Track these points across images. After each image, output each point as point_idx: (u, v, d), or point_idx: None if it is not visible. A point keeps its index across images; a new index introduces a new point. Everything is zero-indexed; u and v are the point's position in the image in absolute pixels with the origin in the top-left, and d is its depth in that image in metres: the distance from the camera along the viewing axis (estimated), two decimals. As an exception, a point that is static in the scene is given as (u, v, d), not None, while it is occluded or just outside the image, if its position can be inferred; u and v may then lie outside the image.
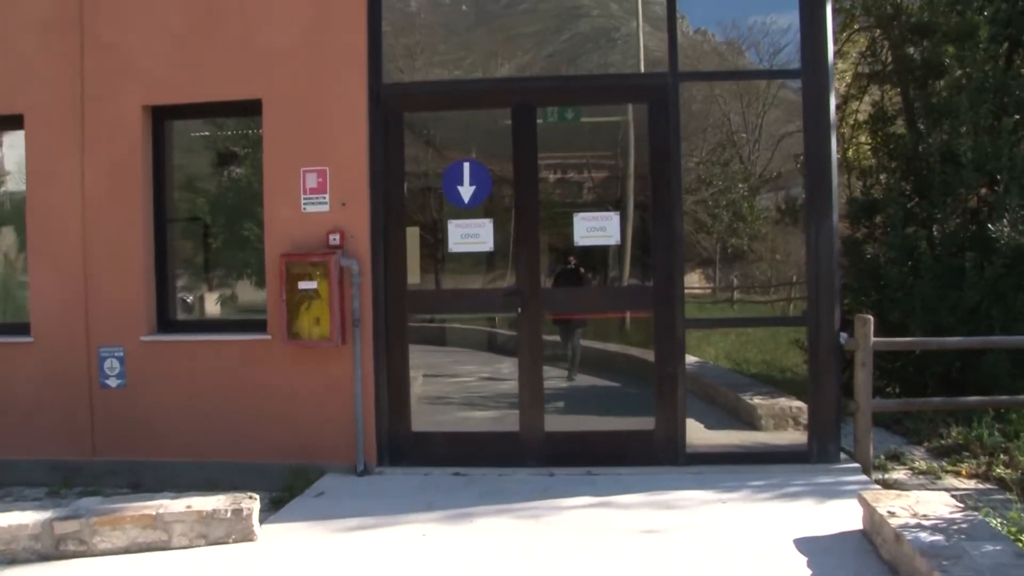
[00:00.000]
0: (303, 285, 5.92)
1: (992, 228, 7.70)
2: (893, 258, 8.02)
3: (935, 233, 8.11)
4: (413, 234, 6.11)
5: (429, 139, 6.71)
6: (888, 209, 8.23)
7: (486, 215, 6.05)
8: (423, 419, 6.30)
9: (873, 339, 5.96)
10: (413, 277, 6.12)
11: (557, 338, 6.89)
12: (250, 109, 6.22)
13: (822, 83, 5.86)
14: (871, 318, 5.97)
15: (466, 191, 6.04)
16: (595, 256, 6.54)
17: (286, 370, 6.11)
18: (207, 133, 8.35)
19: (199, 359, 6.24)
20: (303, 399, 6.10)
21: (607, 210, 6.07)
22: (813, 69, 5.87)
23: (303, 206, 6.09)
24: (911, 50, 9.05)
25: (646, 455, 5.99)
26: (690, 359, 10.17)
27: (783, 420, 7.20)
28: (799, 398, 7.67)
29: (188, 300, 7.09)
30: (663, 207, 5.92)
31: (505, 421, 6.65)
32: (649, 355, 6.04)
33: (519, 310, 5.96)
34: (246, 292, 8.26)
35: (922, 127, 8.56)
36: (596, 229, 5.95)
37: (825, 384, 5.93)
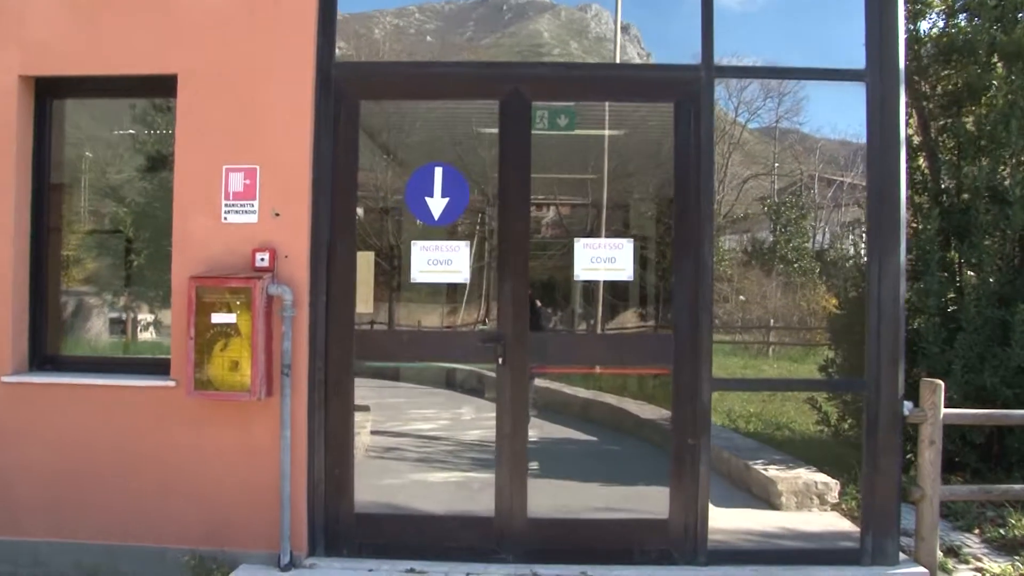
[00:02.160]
0: (218, 318, 4.50)
1: (1048, 276, 6.61)
2: (926, 308, 6.84)
3: (973, 280, 6.99)
4: (366, 258, 4.73)
5: (391, 138, 5.34)
6: (918, 252, 7.06)
7: (461, 237, 4.71)
8: (368, 487, 4.89)
9: (944, 410, 4.73)
10: (364, 310, 4.73)
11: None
12: (164, 87, 4.81)
13: (891, 87, 4.66)
14: (941, 383, 4.73)
15: (436, 205, 4.69)
16: (595, 294, 5.22)
17: (194, 428, 4.67)
18: (131, 130, 7.01)
19: (81, 408, 4.76)
20: (214, 467, 4.66)
21: (617, 235, 4.73)
22: (881, 70, 4.67)
23: (224, 215, 4.69)
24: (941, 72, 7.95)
25: (658, 551, 4.66)
26: (665, 412, 9.00)
27: (806, 498, 5.97)
28: (819, 468, 6.48)
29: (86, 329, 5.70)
30: (688, 233, 4.64)
31: (473, 493, 5.31)
32: (653, 410, 4.76)
33: (500, 361, 4.60)
34: (158, 324, 6.90)
35: (951, 159, 7.44)
36: (603, 260, 4.63)
37: (884, 466, 4.66)
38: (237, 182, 4.69)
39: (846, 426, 7.31)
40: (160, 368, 4.81)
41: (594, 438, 8.34)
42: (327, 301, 4.71)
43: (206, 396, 4.53)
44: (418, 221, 4.72)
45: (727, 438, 7.99)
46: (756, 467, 6.51)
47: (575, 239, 4.66)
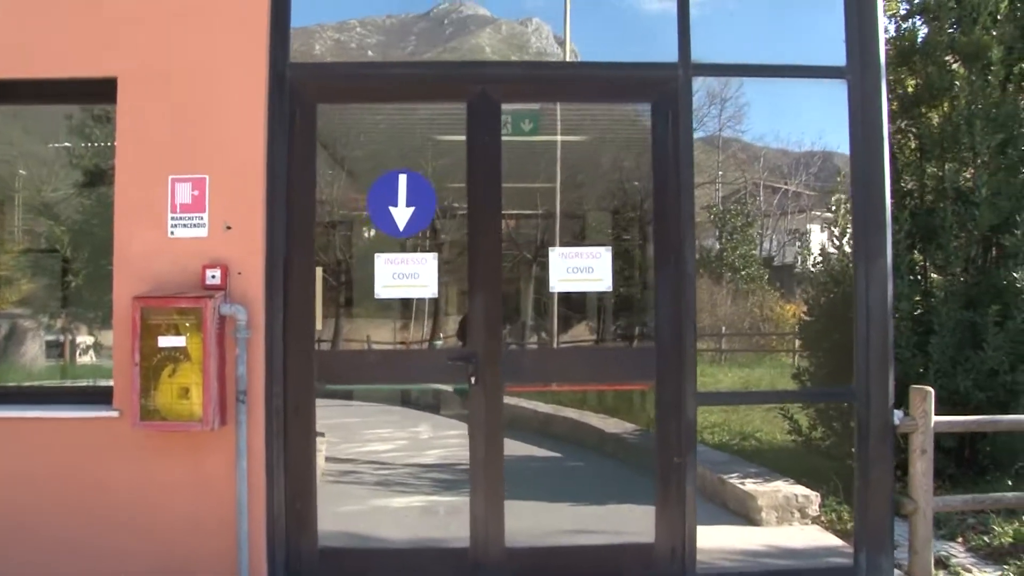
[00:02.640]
0: (166, 341, 4.12)
1: (1018, 276, 6.54)
2: (897, 312, 6.72)
3: (940, 282, 6.91)
4: (316, 273, 4.40)
5: (349, 145, 5.03)
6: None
7: (427, 248, 4.42)
8: (328, 515, 4.52)
9: (935, 418, 4.57)
10: (324, 331, 4.39)
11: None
12: (104, 92, 4.42)
13: (873, 84, 4.50)
14: (931, 390, 4.57)
15: (401, 214, 4.39)
16: (571, 306, 4.96)
17: (140, 462, 4.27)
18: (68, 143, 6.58)
19: (14, 444, 4.33)
20: (163, 503, 4.27)
21: (594, 244, 4.49)
22: (862, 67, 4.51)
23: (170, 229, 4.31)
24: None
25: (643, 578, 4.40)
26: (629, 426, 8.79)
27: (787, 512, 5.79)
28: (797, 480, 6.31)
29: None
30: (668, 239, 4.41)
31: (440, 519, 5.01)
32: (617, 424, 4.50)
33: (472, 380, 4.29)
34: (98, 346, 6.50)
35: (913, 160, 7.39)
36: (580, 270, 4.37)
37: (877, 479, 4.47)
38: (185, 193, 4.33)
39: (817, 435, 7.16)
40: (102, 397, 4.40)
41: (557, 454, 8.06)
42: (284, 320, 4.36)
43: (154, 427, 4.14)
44: (376, 232, 4.41)
45: (716, 460, 7.77)
46: (732, 481, 6.30)
47: (550, 248, 4.39)
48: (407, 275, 4.35)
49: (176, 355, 4.14)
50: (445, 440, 8.12)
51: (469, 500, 4.40)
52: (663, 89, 4.44)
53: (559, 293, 4.58)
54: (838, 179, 6.72)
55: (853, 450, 5.93)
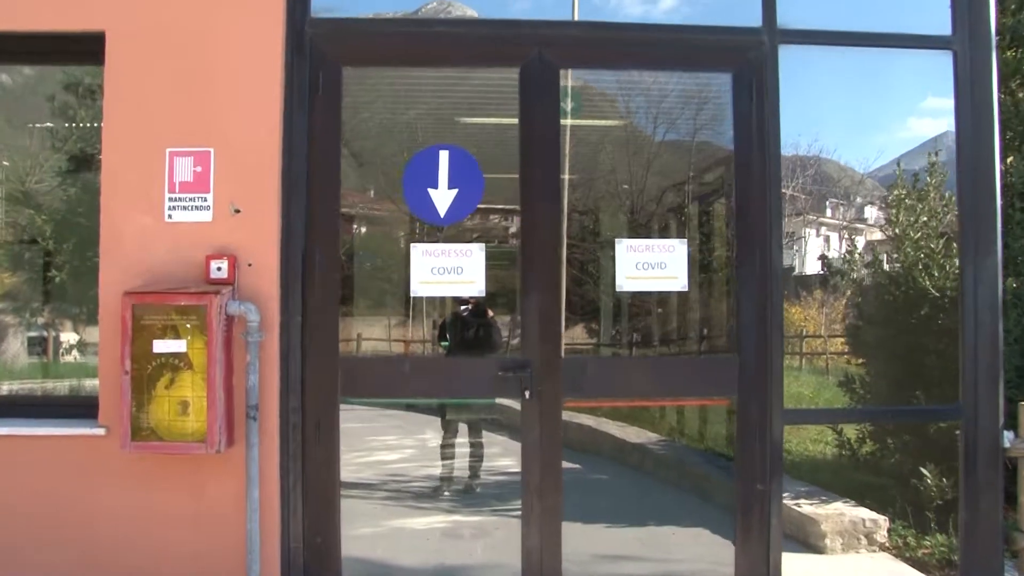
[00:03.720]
0: (162, 346, 3.45)
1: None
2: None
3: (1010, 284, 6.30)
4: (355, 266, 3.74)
5: (381, 116, 4.36)
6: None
7: (473, 239, 3.78)
8: (343, 539, 3.85)
9: (1050, 441, 3.99)
10: (351, 334, 3.73)
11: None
12: (89, 50, 3.73)
13: (983, 56, 3.91)
14: (1044, 408, 3.99)
15: (442, 198, 3.73)
16: (639, 308, 4.32)
17: (129, 491, 3.59)
18: (50, 124, 5.92)
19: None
20: (157, 541, 3.58)
21: (666, 236, 3.86)
22: (971, 37, 3.92)
23: (167, 212, 3.64)
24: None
25: (721, 623, 3.78)
26: (652, 436, 8.17)
27: (853, 538, 5.21)
28: (857, 501, 5.71)
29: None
30: (752, 232, 3.79)
31: (466, 543, 4.42)
32: (639, 433, 3.88)
33: (526, 394, 3.64)
34: (83, 345, 5.90)
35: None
36: (651, 266, 3.73)
37: (986, 509, 3.88)
38: (185, 170, 3.64)
39: (867, 450, 6.57)
40: (85, 409, 3.71)
41: (576, 465, 7.44)
42: (304, 322, 3.69)
43: (147, 449, 3.46)
44: (419, 219, 3.75)
45: (725, 465, 7.17)
46: (786, 503, 5.69)
47: (616, 240, 3.75)
48: (449, 269, 3.69)
49: (174, 362, 3.46)
50: (456, 448, 7.48)
51: (521, 530, 3.75)
52: (746, 58, 3.82)
53: (626, 293, 3.92)
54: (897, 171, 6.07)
55: (918, 470, 5.47)
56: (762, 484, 3.77)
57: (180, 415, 3.47)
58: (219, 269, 3.59)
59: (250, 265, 3.64)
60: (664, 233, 5.43)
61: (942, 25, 4.01)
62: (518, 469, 7.63)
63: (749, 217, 3.80)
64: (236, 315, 3.55)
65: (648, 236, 4.76)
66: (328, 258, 3.73)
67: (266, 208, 3.68)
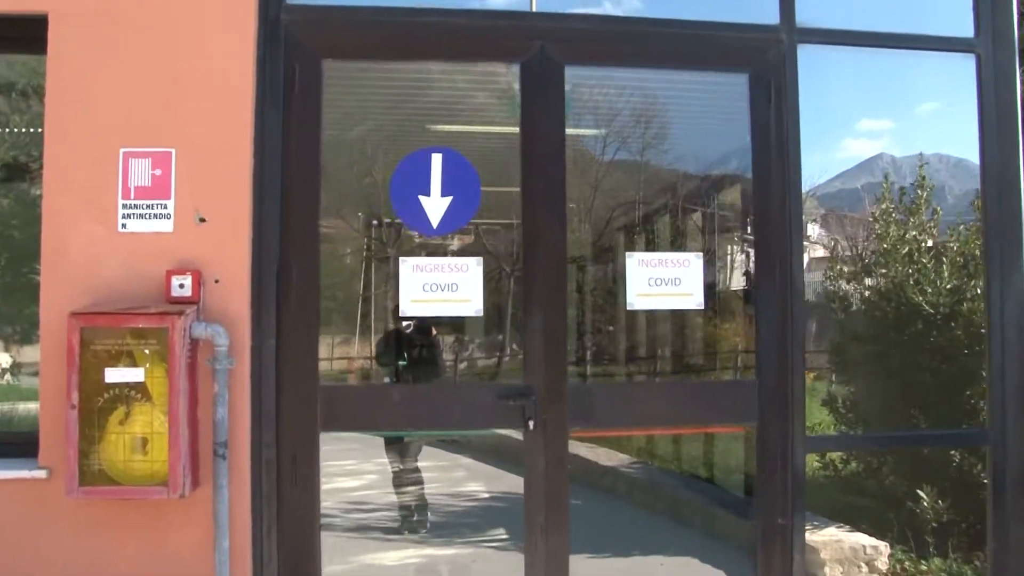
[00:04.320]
0: (116, 375, 2.99)
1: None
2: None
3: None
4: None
5: (363, 115, 3.97)
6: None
7: (468, 251, 3.41)
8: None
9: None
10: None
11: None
12: (27, 36, 3.26)
13: (1006, 59, 3.71)
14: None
15: (435, 206, 3.35)
16: (649, 328, 4.00)
17: (77, 543, 3.10)
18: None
19: None
20: (107, 596, 3.11)
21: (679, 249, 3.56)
22: (995, 39, 3.71)
23: (122, 221, 3.18)
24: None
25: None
26: (623, 458, 7.83)
27: (853, 566, 4.95)
28: (855, 527, 5.46)
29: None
30: (771, 246, 3.50)
31: None
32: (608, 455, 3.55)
33: (530, 424, 3.27)
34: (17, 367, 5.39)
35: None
36: (664, 282, 3.41)
37: (1015, 538, 3.64)
38: (142, 173, 3.19)
39: (850, 470, 6.35)
40: (22, 447, 3.23)
41: (576, 501, 7.09)
42: (278, 345, 3.26)
43: (98, 494, 2.99)
44: (411, 230, 3.36)
45: (700, 489, 6.87)
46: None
47: (627, 253, 3.42)
48: (443, 286, 3.31)
49: (130, 394, 3.00)
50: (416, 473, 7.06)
51: (525, 571, 3.36)
52: (764, 57, 3.54)
53: (635, 311, 3.60)
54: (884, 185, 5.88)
55: (912, 491, 5.25)
56: (784, 518, 3.47)
57: (137, 454, 3.01)
58: (182, 286, 3.15)
59: (217, 281, 3.20)
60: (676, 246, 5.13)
61: (958, 28, 3.80)
62: (487, 494, 7.26)
63: (768, 230, 3.51)
64: (202, 338, 3.11)
65: (647, 251, 4.48)
66: (305, 272, 3.31)
67: (235, 216, 3.25)
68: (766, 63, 3.54)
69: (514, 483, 7.42)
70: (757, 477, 3.51)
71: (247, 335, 3.22)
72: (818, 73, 3.71)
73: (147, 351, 3.01)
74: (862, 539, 5.11)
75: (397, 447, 6.13)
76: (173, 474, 2.98)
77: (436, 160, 3.37)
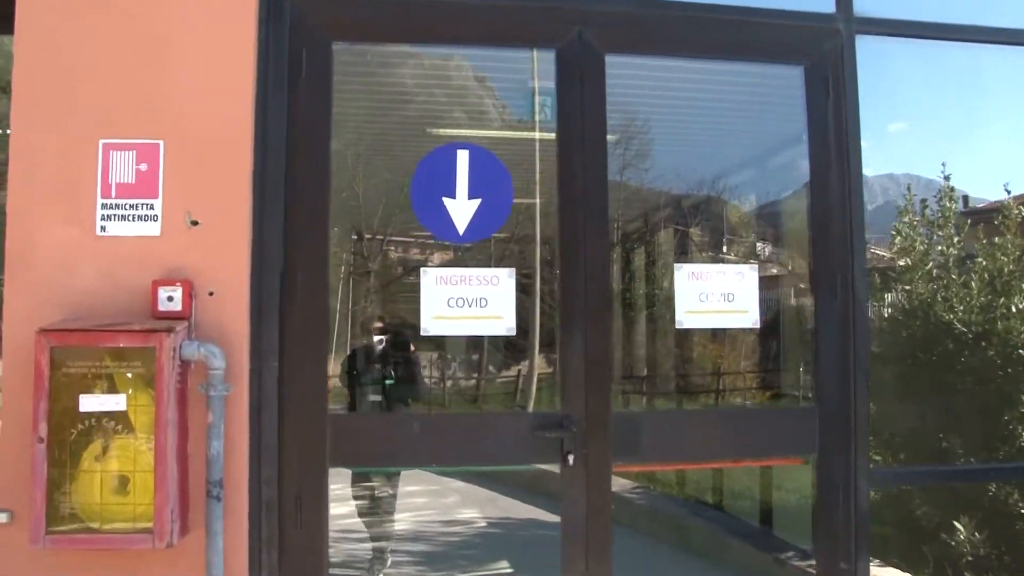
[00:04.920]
0: (92, 403, 2.54)
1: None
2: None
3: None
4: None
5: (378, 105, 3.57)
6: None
7: (498, 261, 3.01)
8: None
9: None
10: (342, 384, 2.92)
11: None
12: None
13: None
14: None
15: (461, 210, 2.95)
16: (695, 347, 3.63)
17: (40, 596, 2.64)
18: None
19: None
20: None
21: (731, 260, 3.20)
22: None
23: (100, 223, 2.74)
24: None
25: None
26: (623, 483, 7.40)
27: (882, 605, 4.59)
28: (885, 561, 5.11)
29: None
30: (830, 258, 3.16)
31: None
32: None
33: (569, 458, 2.87)
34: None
35: None
36: (717, 297, 3.05)
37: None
38: (125, 168, 2.76)
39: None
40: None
41: (540, 513, 6.68)
42: (281, 368, 2.83)
43: (70, 543, 2.53)
44: (432, 235, 2.95)
45: (711, 516, 6.49)
46: (796, 563, 5.07)
47: (676, 265, 3.05)
48: (470, 301, 2.91)
49: (109, 425, 2.56)
50: (409, 500, 6.63)
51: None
52: (820, 49, 3.21)
53: (684, 330, 3.23)
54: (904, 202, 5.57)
55: (947, 521, 4.92)
56: (846, 562, 3.10)
57: (117, 495, 2.56)
58: (170, 299, 2.71)
59: (211, 294, 2.77)
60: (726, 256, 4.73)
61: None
62: (484, 521, 6.81)
63: (827, 239, 3.16)
64: (194, 360, 2.68)
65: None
66: (313, 283, 2.89)
67: (233, 219, 2.82)
68: (823, 55, 3.20)
69: (508, 506, 7.06)
70: (816, 515, 3.15)
71: (245, 356, 2.79)
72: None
73: (130, 375, 2.57)
74: (895, 574, 4.78)
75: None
76: (159, 520, 2.54)
77: (462, 158, 2.97)
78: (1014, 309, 4.90)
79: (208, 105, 2.83)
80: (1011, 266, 5.22)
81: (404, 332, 5.54)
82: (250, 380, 2.80)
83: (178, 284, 2.72)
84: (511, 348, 14.83)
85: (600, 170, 3.01)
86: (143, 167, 2.77)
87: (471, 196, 2.96)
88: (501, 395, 14.16)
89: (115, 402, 2.56)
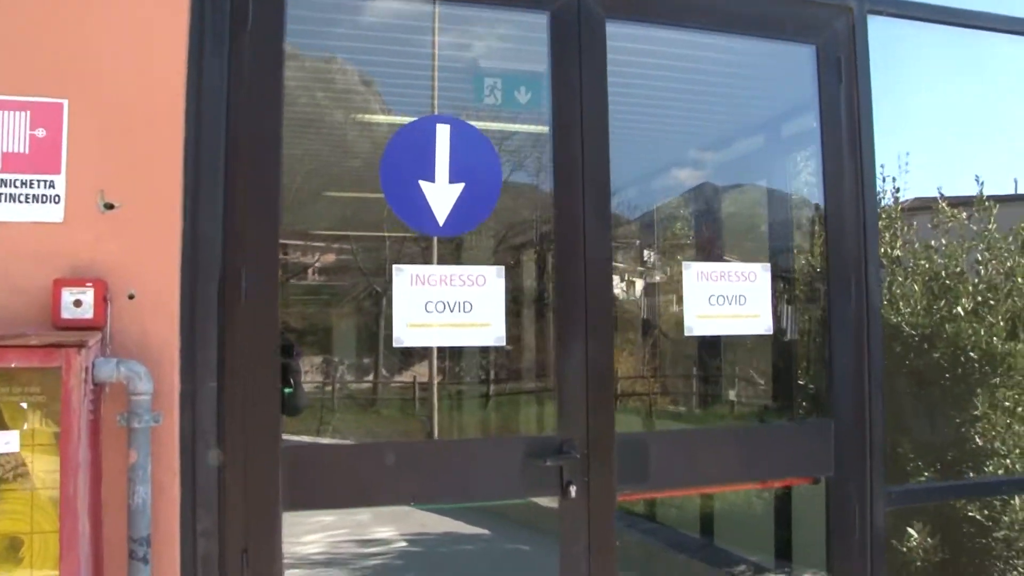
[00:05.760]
0: (-28, 441, 1.92)
1: None
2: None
3: None
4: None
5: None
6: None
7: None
8: None
9: None
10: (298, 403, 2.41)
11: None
12: None
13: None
14: None
15: (442, 197, 2.46)
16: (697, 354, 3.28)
17: None
18: None
19: None
20: None
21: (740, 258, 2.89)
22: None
23: (-18, 205, 2.11)
24: None
25: None
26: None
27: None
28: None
29: None
30: (843, 258, 2.86)
31: None
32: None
33: (571, 490, 2.44)
34: None
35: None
36: (728, 300, 2.69)
37: None
38: (15, 133, 2.13)
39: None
40: None
41: (484, 531, 6.22)
42: (222, 392, 2.26)
43: (-60, 634, 1.90)
44: (406, 225, 2.45)
45: (647, 529, 6.13)
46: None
47: (684, 264, 2.66)
48: (452, 305, 2.43)
49: (-3, 469, 1.94)
50: (316, 519, 6.02)
51: None
52: (832, 28, 2.91)
53: (692, 338, 2.85)
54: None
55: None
56: (861, 591, 2.81)
57: (5, 564, 1.94)
58: (78, 304, 2.10)
59: (132, 297, 2.18)
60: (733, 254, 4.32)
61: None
62: (403, 541, 6.27)
63: (840, 237, 2.86)
64: (111, 383, 2.08)
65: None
66: (261, 283, 2.33)
67: (159, 202, 2.23)
68: (835, 35, 2.91)
69: (424, 520, 6.52)
70: (831, 540, 2.83)
71: (176, 376, 2.21)
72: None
73: (24, 404, 1.96)
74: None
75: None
76: (66, 591, 1.94)
77: (442, 134, 2.48)
78: (961, 311, 4.80)
79: (128, 59, 2.22)
80: (948, 269, 5.16)
81: (287, 336, 5.07)
82: (182, 407, 2.22)
83: (88, 285, 2.11)
84: (406, 351, 14.24)
85: (602, 155, 2.59)
86: (40, 133, 2.14)
87: (453, 180, 2.48)
88: (398, 401, 13.55)
89: (3, 441, 1.95)
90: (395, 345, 2.39)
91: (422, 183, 2.46)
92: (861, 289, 2.84)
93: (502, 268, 2.49)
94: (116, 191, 2.19)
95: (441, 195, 2.47)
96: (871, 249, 2.86)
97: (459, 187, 2.48)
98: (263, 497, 2.28)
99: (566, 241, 2.55)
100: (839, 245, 2.85)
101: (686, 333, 2.66)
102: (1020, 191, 7.35)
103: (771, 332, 2.74)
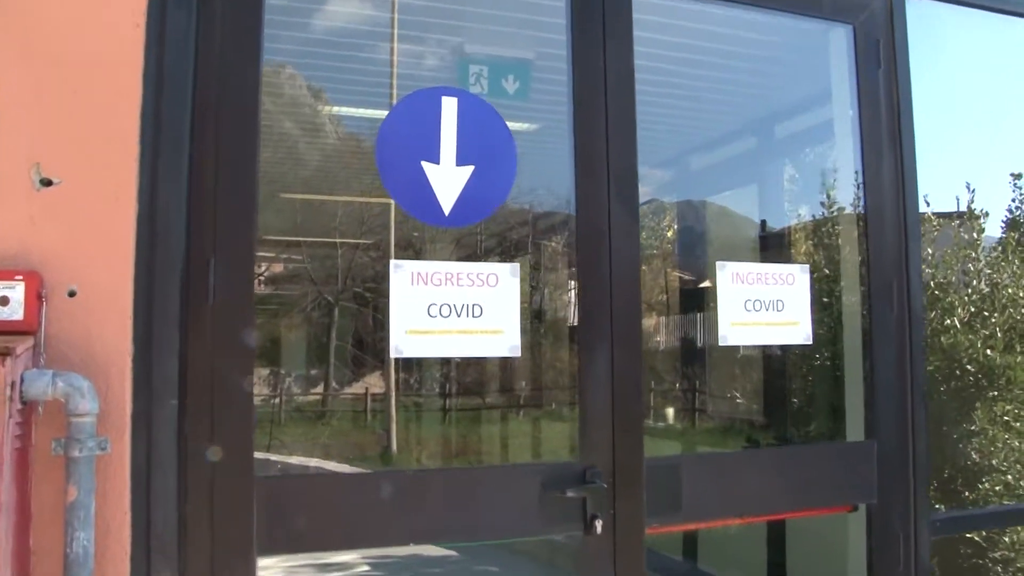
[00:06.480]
0: None
1: None
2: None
3: None
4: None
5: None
6: None
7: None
8: None
9: None
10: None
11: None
12: None
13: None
14: None
15: (448, 181, 2.10)
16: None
17: None
18: None
19: None
20: None
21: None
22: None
23: None
24: None
25: None
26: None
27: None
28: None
29: None
30: (883, 260, 2.58)
31: None
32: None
33: (596, 525, 2.09)
34: None
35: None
36: (764, 306, 2.38)
37: None
38: (-75, 87, 1.70)
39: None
40: None
41: (451, 552, 5.77)
42: (183, 412, 1.85)
43: None
44: (409, 215, 2.08)
45: (654, 563, 5.73)
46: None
47: (718, 264, 2.35)
48: (459, 309, 2.06)
49: None
50: (340, 556, 5.50)
51: None
52: (870, 8, 2.64)
53: (723, 347, 2.54)
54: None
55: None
56: (904, 631, 2.51)
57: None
58: (4, 302, 1.68)
59: (73, 294, 1.76)
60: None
61: None
62: (366, 564, 5.80)
63: (880, 238, 2.58)
64: (45, 401, 1.66)
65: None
66: (232, 276, 1.93)
67: (110, 180, 1.82)
68: (873, 16, 2.64)
69: (403, 547, 6.05)
70: (873, 572, 2.54)
71: (127, 392, 1.79)
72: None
73: (-69, 427, 1.53)
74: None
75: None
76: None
77: (448, 107, 2.12)
78: (957, 323, 4.62)
79: (73, 4, 1.81)
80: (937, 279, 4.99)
81: None
82: (134, 431, 1.80)
83: (17, 278, 1.69)
84: (357, 362, 13.73)
85: (628, 141, 2.26)
86: (-43, 90, 1.71)
87: (460, 162, 2.11)
88: (351, 412, 12.94)
89: (-97, 475, 1.51)
90: (393, 356, 2.06)
91: (425, 164, 2.09)
92: (903, 294, 2.57)
93: (516, 266, 2.14)
94: (55, 164, 1.77)
95: (447, 179, 2.10)
96: (913, 251, 2.59)
97: (468, 170, 2.12)
98: (234, 540, 1.87)
99: (588, 242, 2.20)
100: (879, 246, 2.57)
101: (720, 343, 2.34)
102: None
103: (810, 342, 2.44)
